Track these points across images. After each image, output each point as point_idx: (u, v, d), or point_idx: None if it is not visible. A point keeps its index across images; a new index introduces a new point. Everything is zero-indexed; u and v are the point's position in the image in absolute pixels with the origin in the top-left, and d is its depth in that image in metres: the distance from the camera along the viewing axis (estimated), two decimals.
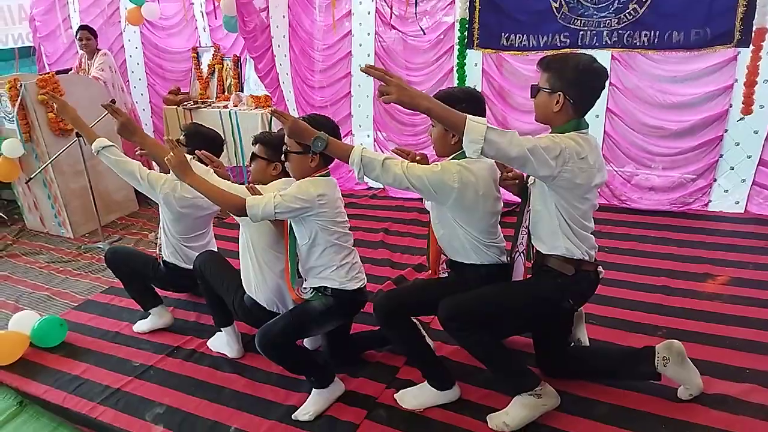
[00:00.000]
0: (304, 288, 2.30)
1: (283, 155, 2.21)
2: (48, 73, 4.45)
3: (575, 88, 1.91)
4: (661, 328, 2.58)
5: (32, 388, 2.62)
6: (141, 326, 2.99)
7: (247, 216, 2.08)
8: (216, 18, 4.84)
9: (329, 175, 2.25)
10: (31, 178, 4.24)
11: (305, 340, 2.67)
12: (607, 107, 3.72)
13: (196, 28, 5.19)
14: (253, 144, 2.46)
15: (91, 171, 4.24)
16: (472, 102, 2.05)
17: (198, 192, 2.21)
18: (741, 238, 3.35)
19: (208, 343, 2.81)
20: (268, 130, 4.51)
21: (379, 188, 4.71)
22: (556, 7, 3.61)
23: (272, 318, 2.31)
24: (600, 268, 2.12)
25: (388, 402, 2.30)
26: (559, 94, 1.91)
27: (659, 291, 2.89)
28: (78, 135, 4.05)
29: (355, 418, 2.22)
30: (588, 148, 1.92)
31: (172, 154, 2.15)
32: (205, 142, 2.81)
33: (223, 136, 3.02)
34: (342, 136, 4.94)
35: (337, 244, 2.23)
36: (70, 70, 5.04)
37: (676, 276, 3.01)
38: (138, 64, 5.58)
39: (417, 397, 2.28)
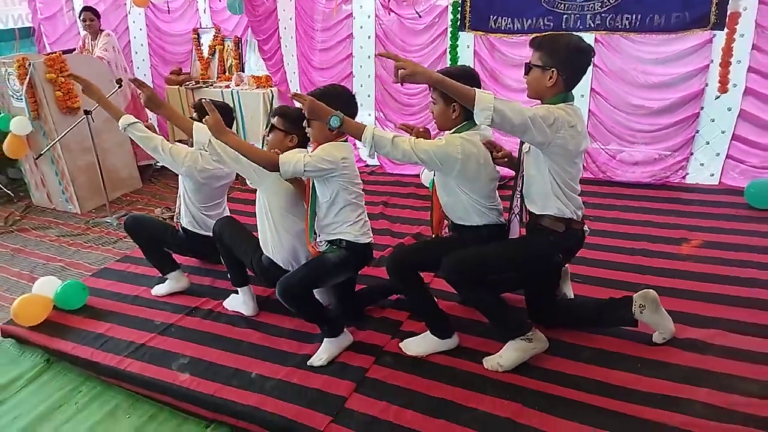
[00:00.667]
0: (320, 241, 2.53)
1: (305, 121, 2.41)
2: (55, 52, 4.57)
3: (567, 65, 2.12)
4: (640, 286, 2.82)
5: (60, 345, 2.80)
6: (159, 290, 3.19)
7: (278, 172, 2.29)
8: (220, 0, 4.98)
9: (347, 141, 2.46)
10: (41, 155, 4.39)
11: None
12: (591, 87, 3.94)
13: (197, 9, 5.31)
14: (272, 116, 2.65)
15: (98, 148, 4.40)
16: (468, 79, 2.23)
17: (233, 150, 2.39)
18: (715, 207, 3.62)
19: (224, 303, 3.02)
20: (269, 108, 4.70)
21: (377, 165, 4.92)
22: None
23: None
24: (586, 227, 2.37)
25: (393, 350, 2.54)
26: (553, 71, 2.13)
27: (639, 253, 3.15)
28: (86, 112, 4.20)
29: (365, 363, 2.46)
30: (576, 117, 2.15)
31: (209, 115, 2.33)
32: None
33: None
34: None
35: (354, 202, 2.46)
36: (74, 50, 5.16)
37: (654, 240, 3.27)
38: (142, 45, 5.68)
39: (420, 345, 2.52)
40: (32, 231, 4.46)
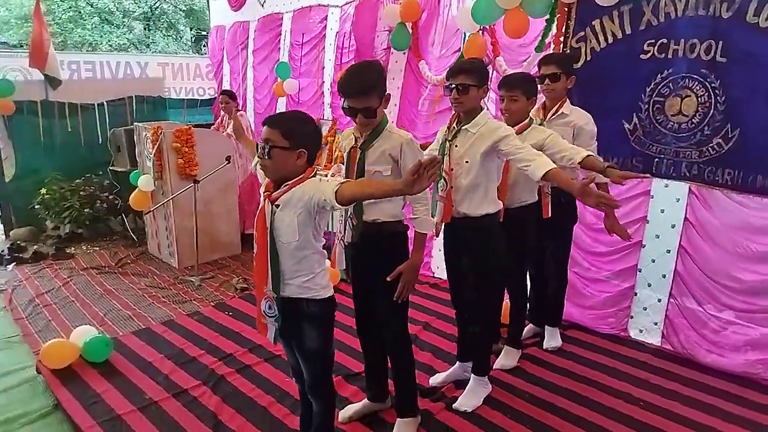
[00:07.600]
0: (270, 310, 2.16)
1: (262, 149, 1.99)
2: (188, 124, 5.24)
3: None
4: None
5: (61, 393, 3.06)
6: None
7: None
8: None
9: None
10: (150, 210, 4.98)
11: None
12: (680, 244, 3.30)
13: (323, 102, 5.71)
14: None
15: (206, 213, 4.99)
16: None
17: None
18: None
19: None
20: None
21: None
22: (629, 129, 3.37)
23: None
24: None
25: None
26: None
27: None
28: (195, 181, 4.69)
29: None
30: None
31: None
32: None
33: None
34: None
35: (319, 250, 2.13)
36: (212, 125, 5.89)
37: None
38: None
39: None
40: (131, 276, 5.00)
